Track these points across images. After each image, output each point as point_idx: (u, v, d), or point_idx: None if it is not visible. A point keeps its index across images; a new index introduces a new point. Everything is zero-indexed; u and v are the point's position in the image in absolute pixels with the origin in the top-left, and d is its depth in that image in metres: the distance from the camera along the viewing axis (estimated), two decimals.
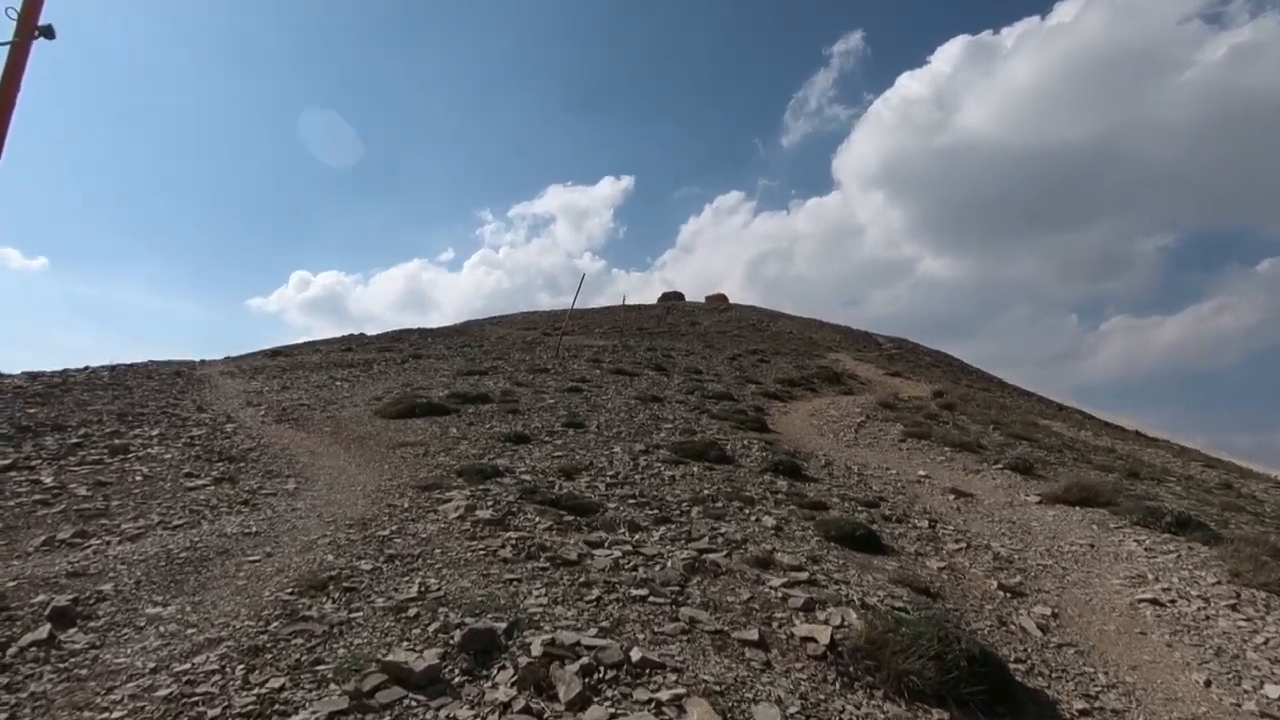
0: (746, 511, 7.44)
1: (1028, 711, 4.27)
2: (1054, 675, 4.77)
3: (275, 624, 4.15)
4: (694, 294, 65.58)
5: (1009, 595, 6.01)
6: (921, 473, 10.38)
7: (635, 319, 46.84)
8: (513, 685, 3.65)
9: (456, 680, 3.66)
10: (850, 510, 7.89)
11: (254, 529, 5.97)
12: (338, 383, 15.87)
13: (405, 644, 3.98)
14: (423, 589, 4.74)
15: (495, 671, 3.76)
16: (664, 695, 3.65)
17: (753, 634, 4.51)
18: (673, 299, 65.22)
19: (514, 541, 5.75)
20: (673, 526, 6.65)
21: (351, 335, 39.67)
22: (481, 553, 5.50)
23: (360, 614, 4.33)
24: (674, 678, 3.83)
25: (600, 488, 7.81)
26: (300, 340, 39.41)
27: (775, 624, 4.74)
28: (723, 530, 6.57)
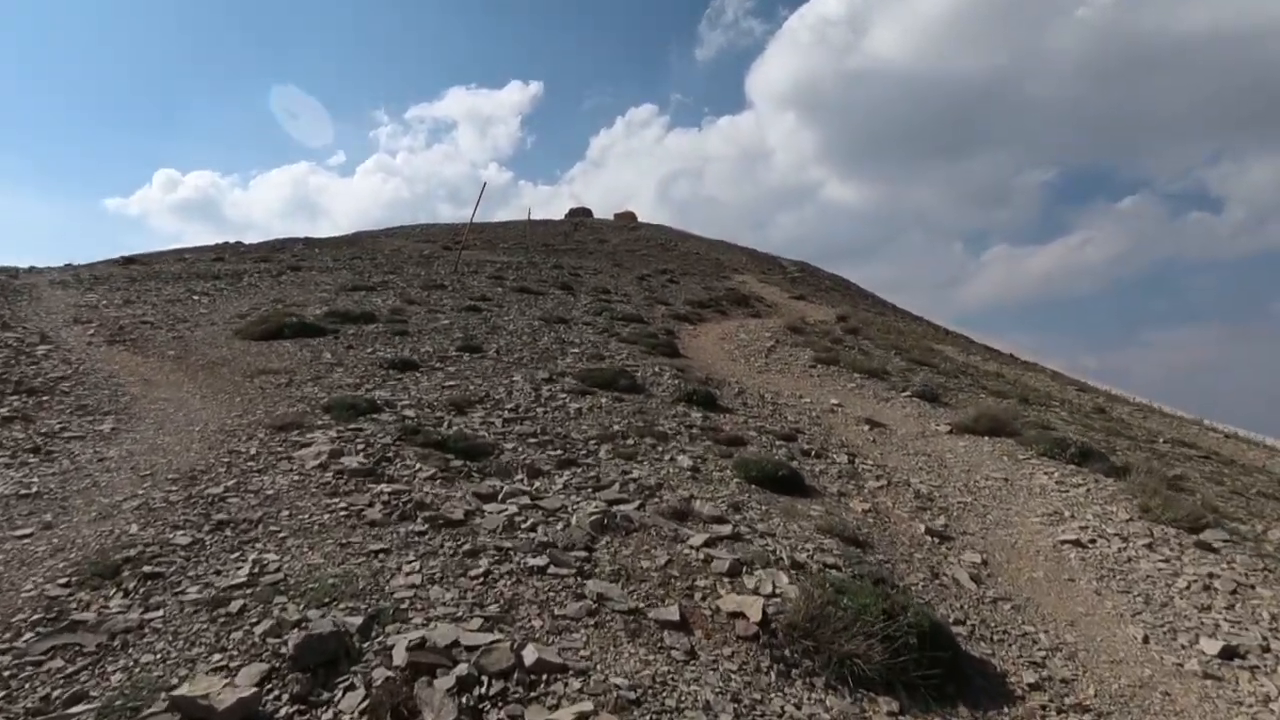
0: (660, 449, 6.66)
1: (978, 688, 3.77)
2: (996, 639, 4.32)
3: (28, 636, 3.00)
4: (604, 210, 63.81)
5: (936, 540, 5.57)
6: (834, 401, 9.96)
7: (541, 234, 44.83)
8: (362, 714, 2.72)
9: (283, 714, 2.68)
10: (769, 445, 7.29)
11: (37, 488, 4.61)
12: (196, 296, 13.80)
13: (218, 658, 2.94)
14: (257, 569, 3.66)
15: (339, 695, 2.80)
16: (565, 714, 2.82)
17: (673, 612, 3.74)
18: (580, 215, 63.34)
19: (386, 497, 4.72)
20: (579, 470, 5.78)
21: (225, 244, 35.91)
22: (343, 514, 4.44)
23: (160, 613, 3.23)
24: (578, 685, 3.01)
25: (496, 424, 6.81)
26: (169, 248, 35.33)
27: (698, 595, 4.00)
28: (635, 474, 5.77)
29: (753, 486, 5.96)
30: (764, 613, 3.85)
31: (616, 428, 7.11)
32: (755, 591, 4.10)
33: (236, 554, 3.84)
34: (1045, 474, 7.21)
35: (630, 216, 63.58)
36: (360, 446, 5.64)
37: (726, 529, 4.86)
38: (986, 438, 8.46)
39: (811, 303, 27.84)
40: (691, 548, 4.48)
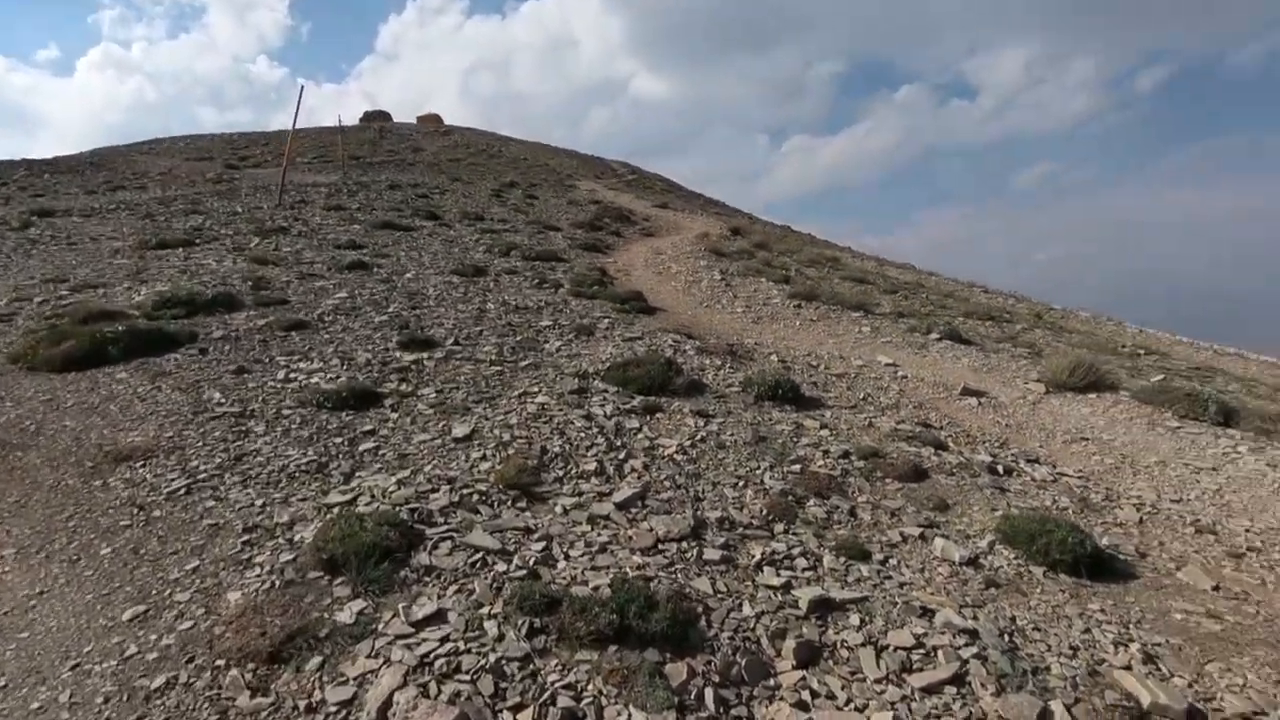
0: (873, 521, 4.31)
1: None
2: None
3: None
4: (404, 113, 56.23)
5: None
6: (884, 360, 8.07)
7: (346, 145, 37.57)
8: None
9: None
10: (957, 473, 5.17)
11: None
12: None
13: None
14: None
15: None
16: None
17: None
18: (379, 119, 55.46)
19: None
20: (848, 620, 3.26)
21: None
22: None
23: None
24: None
25: (610, 513, 3.96)
26: None
27: None
28: (943, 616, 3.40)
29: (1061, 575, 3.84)
30: None
31: (772, 483, 4.56)
32: None
33: None
34: (1239, 452, 5.77)
35: (436, 119, 57.02)
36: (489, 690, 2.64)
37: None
38: (1093, 395, 7.06)
39: (680, 212, 25.73)
40: None
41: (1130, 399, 6.93)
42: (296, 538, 3.55)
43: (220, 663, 2.72)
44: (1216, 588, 3.86)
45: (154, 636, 2.90)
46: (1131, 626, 3.38)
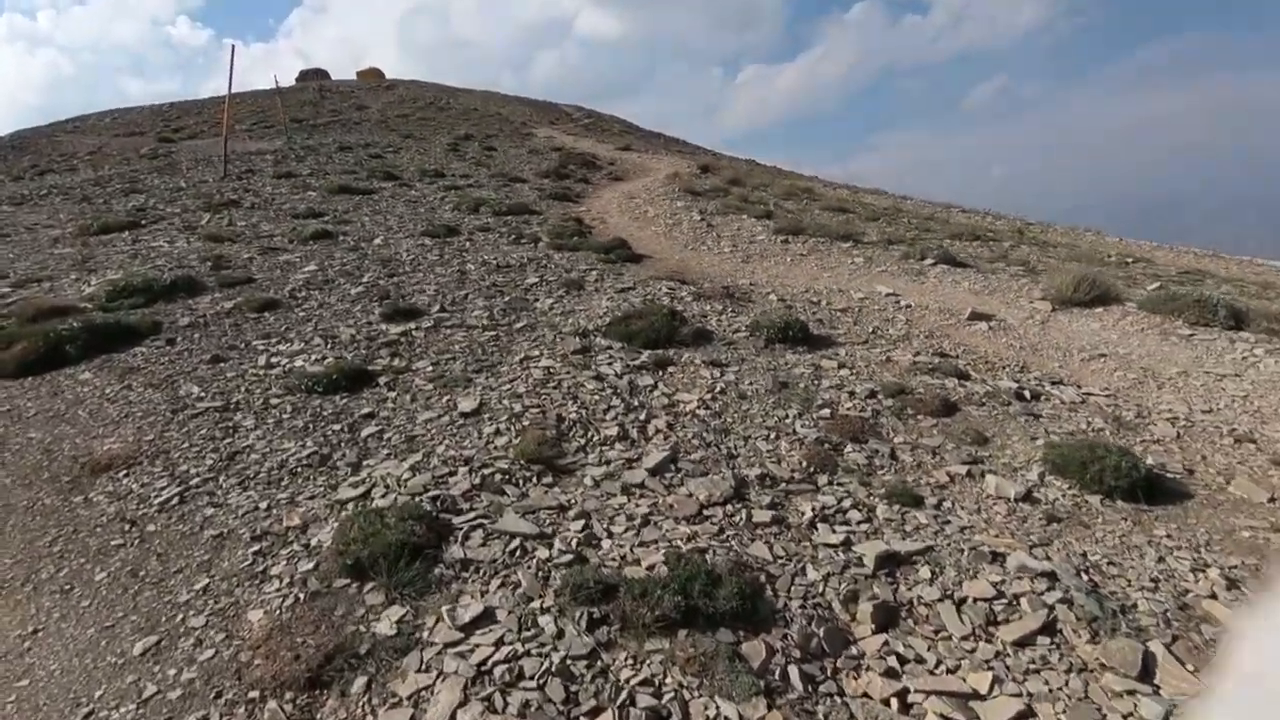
0: (918, 461, 4.12)
1: None
2: None
3: None
4: (341, 70, 53.59)
5: None
6: (883, 290, 7.85)
7: (286, 107, 35.66)
8: None
9: None
10: (984, 403, 5.00)
11: None
12: None
13: None
14: None
15: None
16: None
17: None
18: (316, 78, 52.78)
19: None
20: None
21: None
22: None
23: None
24: None
25: (644, 480, 3.71)
26: None
27: None
28: (974, 539, 3.23)
29: (1119, 503, 3.71)
30: None
31: (805, 431, 4.34)
32: None
33: None
34: (1272, 360, 5.64)
35: (377, 74, 54.54)
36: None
37: None
38: (1100, 309, 6.94)
39: (643, 154, 24.96)
40: None
41: (1137, 310, 6.82)
42: (313, 542, 3.24)
43: (254, 695, 2.44)
44: (1272, 499, 3.77)
45: (173, 671, 2.59)
46: (1203, 550, 3.27)
